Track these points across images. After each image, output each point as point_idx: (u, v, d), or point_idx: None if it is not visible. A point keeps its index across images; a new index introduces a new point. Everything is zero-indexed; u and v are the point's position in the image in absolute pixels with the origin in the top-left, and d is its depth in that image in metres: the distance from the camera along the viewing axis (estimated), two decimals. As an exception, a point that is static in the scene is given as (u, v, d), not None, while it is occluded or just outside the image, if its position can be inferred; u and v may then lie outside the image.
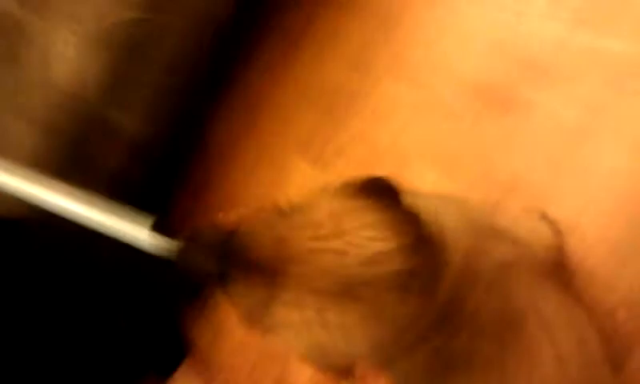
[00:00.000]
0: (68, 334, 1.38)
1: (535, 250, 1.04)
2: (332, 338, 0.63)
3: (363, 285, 0.61)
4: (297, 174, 1.48)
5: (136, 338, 1.62)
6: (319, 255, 0.61)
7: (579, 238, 1.13)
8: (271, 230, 0.63)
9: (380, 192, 0.68)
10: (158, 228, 1.13)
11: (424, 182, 1.29)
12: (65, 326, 1.38)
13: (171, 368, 1.63)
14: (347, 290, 0.61)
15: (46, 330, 1.34)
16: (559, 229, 1.14)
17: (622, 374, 1.00)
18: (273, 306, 0.62)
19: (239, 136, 1.57)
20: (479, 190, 1.22)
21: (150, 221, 1.12)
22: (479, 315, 0.69)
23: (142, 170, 1.55)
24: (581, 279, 1.11)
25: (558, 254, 1.13)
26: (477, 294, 0.70)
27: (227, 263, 0.66)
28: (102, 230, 1.15)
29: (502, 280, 0.73)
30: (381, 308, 0.63)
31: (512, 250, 0.79)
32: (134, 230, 1.13)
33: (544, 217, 1.16)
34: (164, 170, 1.62)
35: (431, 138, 1.30)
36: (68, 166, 1.45)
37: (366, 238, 0.61)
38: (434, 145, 1.30)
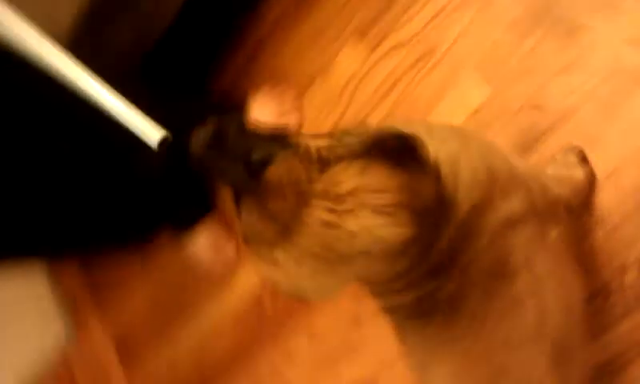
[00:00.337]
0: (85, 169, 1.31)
1: (560, 192, 1.04)
2: (317, 288, 0.68)
3: (363, 256, 0.65)
4: (348, 62, 1.47)
5: (159, 183, 1.59)
6: (331, 231, 0.63)
7: (614, 185, 1.12)
8: (298, 186, 0.65)
9: (403, 151, 0.68)
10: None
11: (471, 96, 1.27)
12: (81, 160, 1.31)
13: (190, 222, 1.61)
14: (346, 261, 0.65)
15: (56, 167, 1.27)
16: (594, 173, 1.13)
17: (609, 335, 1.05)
18: (274, 248, 0.66)
19: (297, 12, 1.54)
20: (525, 118, 1.20)
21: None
22: (472, 268, 0.73)
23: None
24: (603, 229, 1.12)
25: (584, 199, 1.12)
26: (473, 248, 0.73)
27: (247, 187, 0.69)
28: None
29: (502, 237, 0.75)
30: (374, 271, 0.68)
31: (523, 203, 0.79)
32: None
33: (583, 158, 1.14)
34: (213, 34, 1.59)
35: (489, 51, 1.27)
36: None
37: (380, 225, 0.63)
38: (489, 59, 1.26)
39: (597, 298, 1.12)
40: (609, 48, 1.14)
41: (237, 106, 1.50)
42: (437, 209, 0.70)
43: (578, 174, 1.13)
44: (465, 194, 0.73)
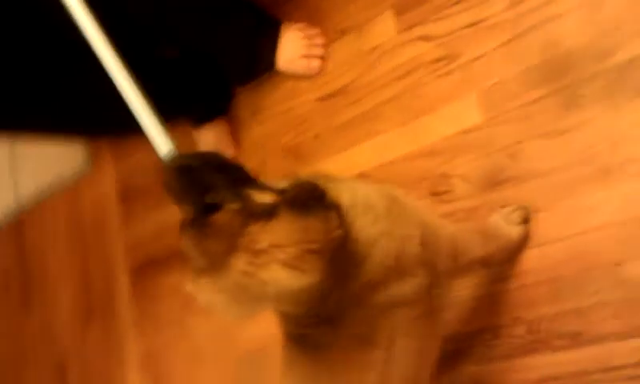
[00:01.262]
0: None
1: (482, 252, 1.22)
2: (231, 313, 0.90)
3: (272, 299, 0.87)
4: (379, 32, 1.57)
5: (180, 71, 1.71)
6: (247, 279, 0.84)
7: (540, 255, 1.29)
8: (231, 237, 0.83)
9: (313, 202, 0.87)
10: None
11: (467, 116, 1.40)
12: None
13: (206, 117, 1.76)
14: (259, 301, 0.87)
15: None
16: (528, 236, 1.29)
17: None
18: (201, 274, 0.87)
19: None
20: (499, 160, 1.34)
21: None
22: (348, 327, 0.95)
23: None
24: (516, 283, 1.31)
25: (508, 256, 1.30)
26: (355, 312, 0.95)
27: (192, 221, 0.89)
28: None
29: (380, 312, 0.96)
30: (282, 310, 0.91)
31: (413, 288, 0.98)
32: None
33: (526, 219, 1.30)
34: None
35: (499, 84, 1.37)
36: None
37: (286, 277, 0.84)
38: (496, 91, 1.37)
39: (487, 333, 1.34)
40: (592, 137, 1.24)
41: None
42: (340, 255, 0.90)
43: (514, 232, 1.29)
44: (370, 268, 0.93)
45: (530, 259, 1.30)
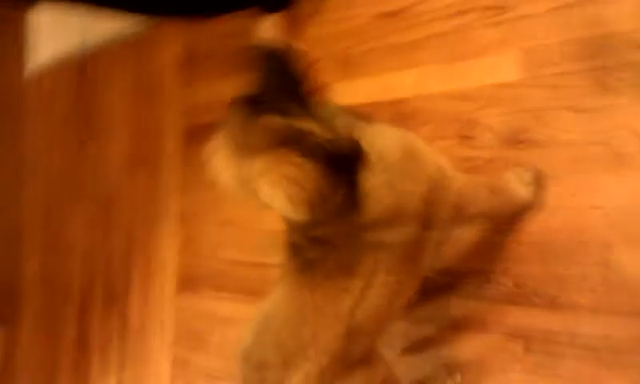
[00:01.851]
0: None
1: (487, 205, 1.34)
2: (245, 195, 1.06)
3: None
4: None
5: None
6: (256, 182, 1.00)
7: (542, 219, 1.40)
8: (271, 143, 0.98)
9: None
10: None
11: (505, 71, 1.47)
12: None
13: (271, 7, 1.86)
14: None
15: None
16: (539, 200, 1.40)
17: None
18: (232, 154, 1.03)
19: None
20: (525, 121, 1.42)
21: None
22: (335, 254, 1.11)
23: None
24: (510, 238, 1.43)
25: (513, 212, 1.41)
26: (346, 243, 1.11)
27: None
28: None
29: (371, 247, 1.11)
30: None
31: (406, 236, 1.13)
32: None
33: (540, 183, 1.39)
34: None
35: (543, 48, 1.42)
36: None
37: (285, 206, 0.99)
38: (539, 53, 1.42)
39: (479, 276, 1.49)
40: (615, 122, 1.31)
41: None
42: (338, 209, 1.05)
43: (523, 192, 1.39)
44: (366, 211, 1.08)
45: (530, 220, 1.41)
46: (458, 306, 1.51)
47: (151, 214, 2.35)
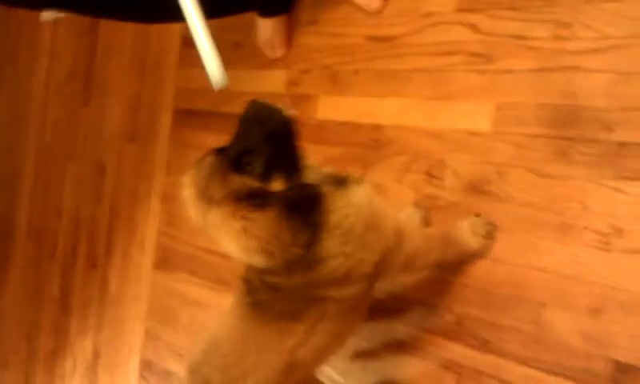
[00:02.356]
0: None
1: (442, 255, 1.45)
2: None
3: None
4: (442, 1, 1.65)
5: None
6: (215, 231, 1.11)
7: (487, 269, 1.49)
8: (230, 195, 1.07)
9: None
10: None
11: (478, 121, 1.55)
12: None
13: (271, 12, 1.92)
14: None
15: None
16: (487, 251, 1.49)
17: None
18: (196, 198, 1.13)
19: None
20: (488, 173, 1.51)
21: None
22: (289, 300, 1.22)
23: None
24: (456, 280, 1.53)
25: (460, 260, 1.51)
26: (296, 292, 1.22)
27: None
28: None
29: (318, 300, 1.22)
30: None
31: (355, 291, 1.24)
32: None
33: (490, 235, 1.49)
34: None
35: (514, 106, 1.49)
36: None
37: (243, 255, 1.10)
38: (510, 111, 1.49)
39: (424, 307, 1.59)
40: (569, 193, 1.39)
41: None
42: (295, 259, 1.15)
43: (475, 243, 1.49)
44: (320, 273, 1.17)
45: (478, 267, 1.51)
46: (402, 330, 1.63)
47: (136, 189, 2.46)
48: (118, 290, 2.50)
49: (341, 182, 1.25)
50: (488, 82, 1.55)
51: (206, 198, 1.09)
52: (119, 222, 2.53)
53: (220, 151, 1.14)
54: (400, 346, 1.63)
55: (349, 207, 1.21)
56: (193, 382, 1.29)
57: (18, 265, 3.09)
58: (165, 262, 2.31)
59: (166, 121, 2.38)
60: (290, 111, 1.16)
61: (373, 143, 1.75)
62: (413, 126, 1.68)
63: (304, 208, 1.14)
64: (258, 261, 1.11)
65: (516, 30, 1.51)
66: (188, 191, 1.15)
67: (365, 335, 1.68)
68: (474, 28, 1.59)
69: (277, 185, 1.12)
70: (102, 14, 1.78)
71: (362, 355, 1.68)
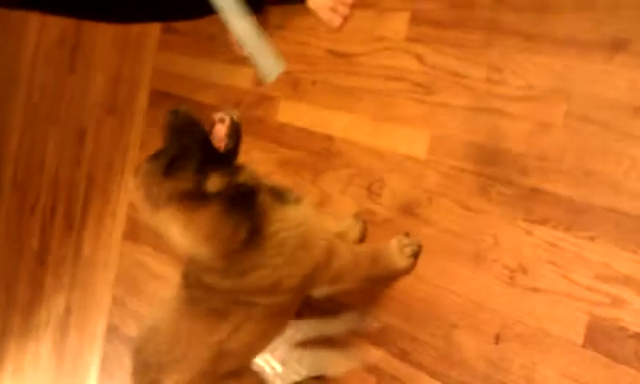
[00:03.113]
0: None
1: (372, 271, 1.61)
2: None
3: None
4: (394, 28, 1.74)
5: None
6: (163, 228, 1.26)
7: (409, 286, 1.66)
8: (173, 196, 1.23)
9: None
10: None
11: (416, 147, 1.67)
12: None
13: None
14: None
15: None
16: (412, 269, 1.65)
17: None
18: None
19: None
20: (421, 198, 1.65)
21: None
22: (217, 300, 1.39)
23: None
24: (386, 288, 1.70)
25: (387, 275, 1.67)
26: (225, 294, 1.39)
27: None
28: None
29: (241, 304, 1.39)
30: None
31: (274, 302, 1.41)
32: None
33: (416, 255, 1.65)
34: None
35: (451, 142, 1.63)
36: None
37: (187, 247, 1.26)
38: (446, 144, 1.63)
39: (352, 312, 1.77)
40: (484, 227, 1.54)
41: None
42: (234, 256, 1.32)
43: (402, 263, 1.64)
44: (247, 281, 1.34)
45: (403, 281, 1.67)
46: (334, 329, 1.80)
47: (112, 160, 2.62)
48: (90, 254, 2.68)
49: (280, 196, 1.41)
50: (426, 112, 1.68)
51: (151, 201, 1.25)
52: (95, 188, 2.69)
53: (153, 158, 1.29)
54: (332, 344, 1.81)
55: (283, 222, 1.37)
56: (136, 362, 1.48)
57: (1, 213, 3.28)
58: (133, 234, 2.48)
59: (143, 99, 2.51)
60: (233, 112, 1.31)
61: (324, 152, 1.89)
62: (360, 142, 1.81)
63: (242, 203, 1.30)
64: (204, 253, 1.27)
65: (455, 66, 1.63)
66: (134, 196, 1.31)
67: (303, 328, 1.85)
68: (419, 58, 1.71)
69: (214, 184, 1.27)
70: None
71: (300, 346, 1.86)
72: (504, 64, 1.55)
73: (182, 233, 1.25)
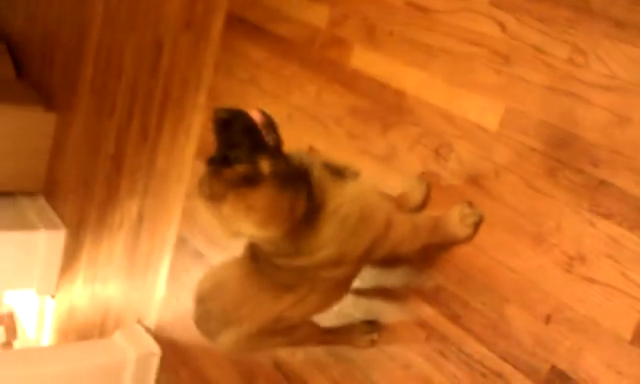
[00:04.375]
0: None
1: (430, 239, 1.68)
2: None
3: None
4: None
5: None
6: (228, 221, 1.34)
7: (470, 254, 1.72)
8: (230, 187, 1.30)
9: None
10: None
11: (487, 115, 1.68)
12: None
13: None
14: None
15: None
16: (471, 238, 1.71)
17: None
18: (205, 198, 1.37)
19: None
20: (482, 165, 1.68)
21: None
22: (285, 274, 1.51)
23: None
24: (445, 254, 1.77)
25: (447, 243, 1.73)
26: (292, 269, 1.49)
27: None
28: None
29: (307, 278, 1.50)
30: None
31: (349, 269, 1.51)
32: None
33: (476, 224, 1.70)
34: None
35: (529, 115, 1.63)
36: None
37: (254, 230, 1.35)
38: (520, 117, 1.63)
39: (413, 270, 1.85)
40: (548, 210, 1.56)
41: None
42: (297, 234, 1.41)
43: (462, 233, 1.70)
44: (314, 257, 1.44)
45: (461, 249, 1.73)
46: (391, 282, 1.90)
47: (187, 77, 2.68)
48: (163, 167, 2.82)
49: (338, 172, 1.47)
50: (502, 83, 1.66)
51: (213, 200, 1.34)
52: (170, 102, 2.79)
53: (211, 160, 1.36)
54: (387, 295, 1.91)
55: (344, 197, 1.44)
56: (197, 309, 1.63)
57: (81, 111, 3.44)
58: (205, 156, 2.59)
59: (219, 20, 2.54)
60: (253, 112, 1.34)
61: (395, 106, 1.91)
62: (432, 103, 1.82)
63: (293, 177, 1.37)
64: (270, 233, 1.36)
65: (537, 41, 1.60)
66: (200, 205, 1.39)
67: (361, 277, 1.96)
68: (501, 26, 1.67)
69: (265, 166, 1.34)
70: None
71: (356, 293, 1.97)
72: (589, 48, 1.50)
73: (246, 218, 1.33)
